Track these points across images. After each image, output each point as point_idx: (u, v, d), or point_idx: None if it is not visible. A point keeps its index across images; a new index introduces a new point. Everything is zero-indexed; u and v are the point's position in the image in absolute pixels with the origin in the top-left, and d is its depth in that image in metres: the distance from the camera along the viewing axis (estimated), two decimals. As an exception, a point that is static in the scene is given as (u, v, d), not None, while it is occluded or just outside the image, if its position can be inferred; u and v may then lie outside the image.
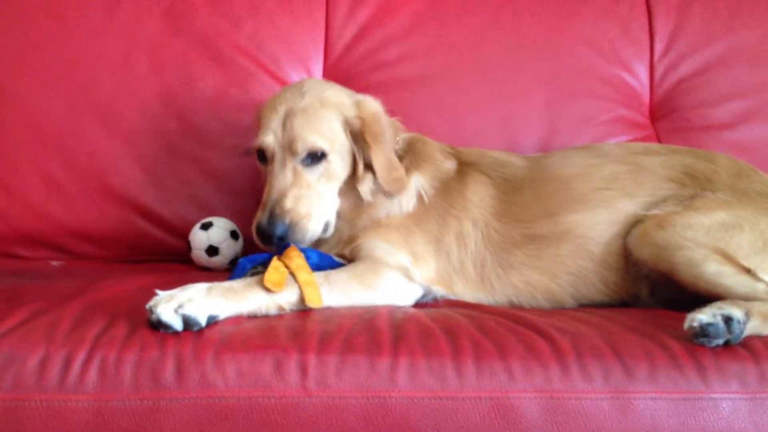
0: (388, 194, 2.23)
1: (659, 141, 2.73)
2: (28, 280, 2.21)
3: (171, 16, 2.72)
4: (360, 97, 2.27)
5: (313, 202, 2.15)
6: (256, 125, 2.27)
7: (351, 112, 2.21)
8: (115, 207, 2.62)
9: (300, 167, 2.14)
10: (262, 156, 2.20)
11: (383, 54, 2.77)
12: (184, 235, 2.54)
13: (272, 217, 2.08)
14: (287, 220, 2.09)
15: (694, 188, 2.21)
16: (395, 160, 2.24)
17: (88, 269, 2.41)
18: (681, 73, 2.80)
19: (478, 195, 2.27)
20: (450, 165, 2.32)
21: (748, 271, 1.96)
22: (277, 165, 2.15)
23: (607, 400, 1.66)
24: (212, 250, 2.45)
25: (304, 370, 1.65)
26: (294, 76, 2.73)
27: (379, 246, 2.15)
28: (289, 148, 2.13)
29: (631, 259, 2.14)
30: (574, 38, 2.80)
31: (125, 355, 1.65)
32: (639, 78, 2.80)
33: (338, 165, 2.19)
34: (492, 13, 2.81)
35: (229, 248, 2.47)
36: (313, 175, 2.16)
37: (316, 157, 2.14)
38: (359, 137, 2.20)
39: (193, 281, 2.13)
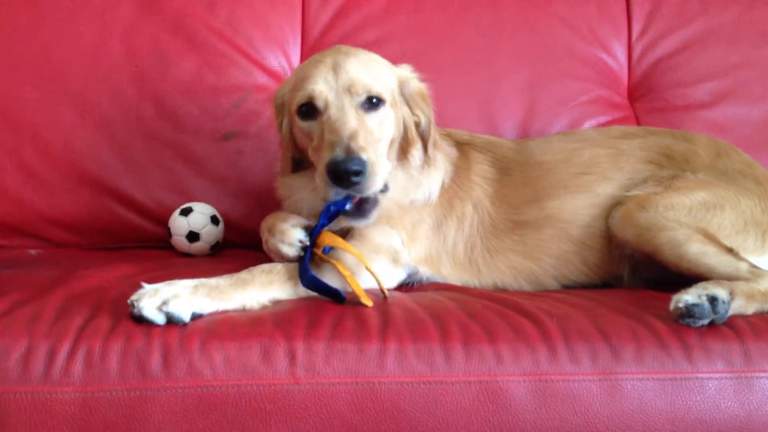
0: (427, 164, 2.17)
1: (638, 121, 2.75)
2: (6, 270, 2.18)
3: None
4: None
5: (378, 150, 1.98)
6: (286, 99, 2.11)
7: (403, 73, 2.15)
8: (92, 193, 2.59)
9: (361, 111, 1.98)
10: (309, 109, 2.00)
11: (361, 36, 2.75)
12: (163, 221, 2.52)
13: (349, 152, 1.87)
14: (364, 157, 1.88)
15: (673, 169, 2.23)
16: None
17: (67, 257, 2.38)
18: (658, 53, 2.81)
19: (480, 175, 2.27)
20: (452, 146, 2.31)
21: (730, 251, 1.98)
22: (334, 110, 1.96)
23: (595, 382, 1.67)
24: (193, 236, 2.43)
25: (292, 357, 1.65)
26: (271, 58, 2.71)
27: (376, 226, 2.08)
28: (347, 90, 1.97)
29: (614, 240, 2.16)
30: (552, 19, 2.80)
31: (111, 345, 1.63)
32: (617, 58, 2.81)
33: (391, 121, 2.05)
34: (469, -7, 2.81)
35: (209, 234, 2.45)
36: (373, 121, 1.99)
37: (373, 103, 2.00)
38: (414, 98, 2.13)
39: (174, 268, 2.15)
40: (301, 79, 2.04)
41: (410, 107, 2.14)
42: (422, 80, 2.20)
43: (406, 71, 2.18)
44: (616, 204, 2.19)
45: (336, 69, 2.00)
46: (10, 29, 2.62)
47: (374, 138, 1.98)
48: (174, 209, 2.49)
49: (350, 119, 1.94)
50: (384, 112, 2.03)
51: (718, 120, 2.73)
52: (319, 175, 1.92)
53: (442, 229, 2.20)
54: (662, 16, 2.82)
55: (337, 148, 1.88)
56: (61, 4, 2.65)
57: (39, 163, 2.57)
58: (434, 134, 2.17)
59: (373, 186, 1.91)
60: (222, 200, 2.59)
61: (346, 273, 1.87)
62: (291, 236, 2.01)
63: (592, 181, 2.24)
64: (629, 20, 2.82)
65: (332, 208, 1.96)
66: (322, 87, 1.98)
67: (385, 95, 2.03)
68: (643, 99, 2.79)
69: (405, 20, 2.78)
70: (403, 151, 2.14)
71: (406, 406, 1.64)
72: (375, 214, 1.98)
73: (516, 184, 2.26)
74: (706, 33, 2.81)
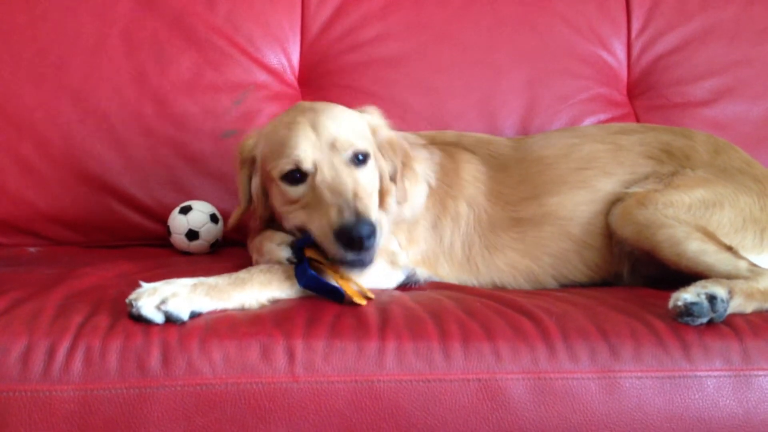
0: (401, 202, 2.12)
1: (637, 119, 2.75)
2: (6, 268, 2.18)
3: (143, -4, 2.69)
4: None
5: (375, 205, 1.97)
6: (259, 158, 2.04)
7: (374, 120, 2.11)
8: (91, 191, 2.59)
9: (351, 167, 1.94)
10: (295, 175, 1.93)
11: (360, 34, 2.75)
12: (163, 219, 2.52)
13: (358, 215, 1.81)
14: (374, 218, 1.84)
15: (673, 165, 2.23)
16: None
17: (67, 255, 2.38)
18: (658, 50, 2.81)
19: (471, 174, 2.26)
20: (434, 150, 2.29)
21: (729, 249, 1.98)
22: (327, 169, 1.90)
23: (593, 380, 1.67)
24: (192, 234, 2.43)
25: (291, 355, 1.65)
26: (271, 56, 2.71)
27: None
28: (332, 147, 1.92)
29: (614, 237, 2.16)
30: (552, 16, 2.80)
31: (110, 343, 1.63)
32: (616, 56, 2.81)
33: (374, 173, 2.03)
34: (469, -10, 2.80)
35: (209, 232, 2.45)
36: (363, 176, 1.95)
37: (358, 158, 1.95)
38: (384, 146, 2.09)
39: (173, 266, 2.15)
40: (280, 144, 1.96)
41: (381, 154, 2.09)
42: (391, 126, 2.16)
43: (375, 118, 2.12)
44: (616, 201, 2.19)
45: (315, 127, 1.94)
46: (9, 27, 2.62)
47: (368, 193, 1.94)
48: (173, 207, 2.49)
49: (346, 177, 1.89)
50: (371, 165, 2.00)
51: (717, 117, 2.73)
52: (325, 238, 1.84)
53: (437, 229, 2.19)
54: (662, 13, 2.82)
55: (345, 212, 1.82)
56: (60, 1, 2.65)
57: (38, 160, 2.57)
58: (400, 176, 2.11)
59: (380, 243, 1.87)
60: (222, 198, 2.57)
61: (336, 275, 1.86)
62: (279, 255, 1.99)
63: (592, 176, 2.23)
64: (629, 18, 2.82)
65: None
66: (307, 149, 1.92)
67: (369, 149, 2.00)
68: (643, 96, 2.79)
69: (404, 18, 2.78)
70: (380, 199, 2.07)
71: (405, 405, 1.64)
72: (372, 263, 1.90)
73: (513, 181, 2.26)
74: (705, 30, 2.81)
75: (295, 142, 1.93)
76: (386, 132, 2.13)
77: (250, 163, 2.08)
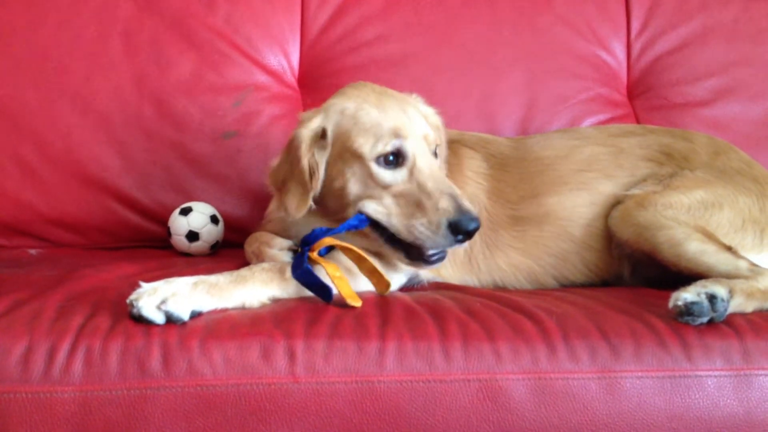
0: None
1: (637, 119, 2.75)
2: (7, 270, 2.18)
3: (143, -1, 2.69)
4: None
5: None
6: (332, 134, 2.00)
7: (426, 109, 2.15)
8: (92, 193, 2.59)
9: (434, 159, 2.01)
10: (390, 158, 1.95)
11: (360, 35, 2.76)
12: (163, 220, 2.52)
13: (467, 209, 1.88)
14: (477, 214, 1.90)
15: (672, 167, 2.23)
16: None
17: (67, 257, 2.38)
18: (658, 50, 2.82)
19: (473, 170, 2.27)
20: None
21: (729, 249, 1.98)
22: (423, 159, 1.95)
23: (594, 380, 1.67)
24: (192, 236, 2.43)
25: (291, 356, 1.64)
26: (270, 57, 2.72)
27: None
28: (424, 139, 1.98)
29: (614, 239, 2.15)
30: (552, 17, 2.81)
31: (110, 344, 1.63)
32: (616, 56, 2.82)
33: None
34: (469, -9, 2.81)
35: (209, 233, 2.45)
36: None
37: (435, 152, 2.03)
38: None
39: (174, 268, 2.15)
40: (373, 124, 1.96)
41: None
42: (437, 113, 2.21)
43: (424, 105, 2.17)
44: (616, 203, 2.19)
45: (410, 117, 1.99)
46: (10, 29, 2.63)
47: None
48: (174, 209, 2.49)
49: (440, 171, 1.97)
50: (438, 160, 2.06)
51: (717, 117, 2.74)
52: (435, 227, 1.88)
53: None
54: (661, 13, 2.83)
55: (459, 204, 1.87)
56: (60, 3, 2.66)
57: (39, 162, 2.58)
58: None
59: None
60: (222, 199, 2.59)
61: (335, 274, 1.84)
62: (282, 261, 1.98)
63: (593, 178, 2.23)
64: (628, 18, 2.82)
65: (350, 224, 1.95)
66: (409, 134, 1.95)
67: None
68: (643, 97, 2.80)
69: (404, 19, 2.79)
70: None
71: (406, 405, 1.64)
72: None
73: (514, 180, 2.26)
74: (705, 30, 2.82)
75: (395, 125, 1.96)
76: (436, 119, 2.17)
77: (317, 141, 2.02)
